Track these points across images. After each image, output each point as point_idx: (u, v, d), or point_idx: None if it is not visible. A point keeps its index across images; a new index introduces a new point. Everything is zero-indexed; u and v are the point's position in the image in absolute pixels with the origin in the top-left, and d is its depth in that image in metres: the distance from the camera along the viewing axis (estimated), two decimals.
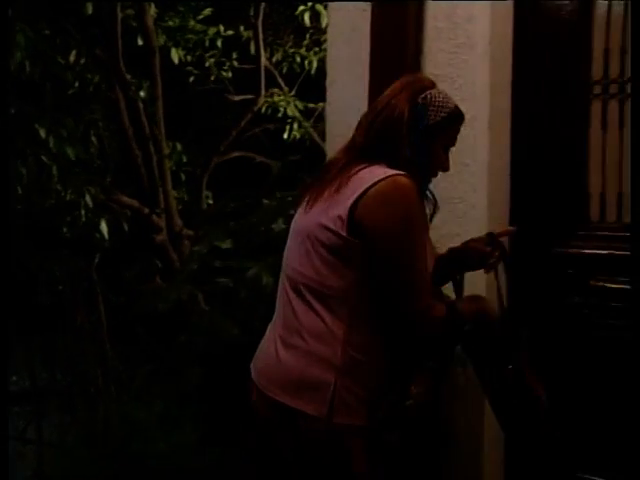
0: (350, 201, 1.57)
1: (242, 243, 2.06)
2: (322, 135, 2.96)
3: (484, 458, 2.59)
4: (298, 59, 5.24)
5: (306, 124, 5.23)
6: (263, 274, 1.97)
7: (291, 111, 5.19)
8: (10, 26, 2.65)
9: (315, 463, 1.60)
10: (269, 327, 1.79)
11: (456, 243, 2.61)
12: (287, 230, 1.69)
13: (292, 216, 1.84)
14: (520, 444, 2.49)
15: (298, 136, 5.30)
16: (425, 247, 1.68)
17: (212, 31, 5.05)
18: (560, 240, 2.60)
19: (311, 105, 5.23)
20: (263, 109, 5.25)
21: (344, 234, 1.56)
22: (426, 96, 1.74)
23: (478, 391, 2.36)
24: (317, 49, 5.08)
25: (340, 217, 1.56)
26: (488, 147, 2.58)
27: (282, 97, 5.24)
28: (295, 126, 5.27)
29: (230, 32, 5.12)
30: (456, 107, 1.80)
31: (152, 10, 4.71)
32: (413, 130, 1.69)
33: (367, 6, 2.72)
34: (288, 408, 1.58)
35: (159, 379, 3.27)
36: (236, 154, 5.38)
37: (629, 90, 2.51)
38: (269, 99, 5.21)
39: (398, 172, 1.61)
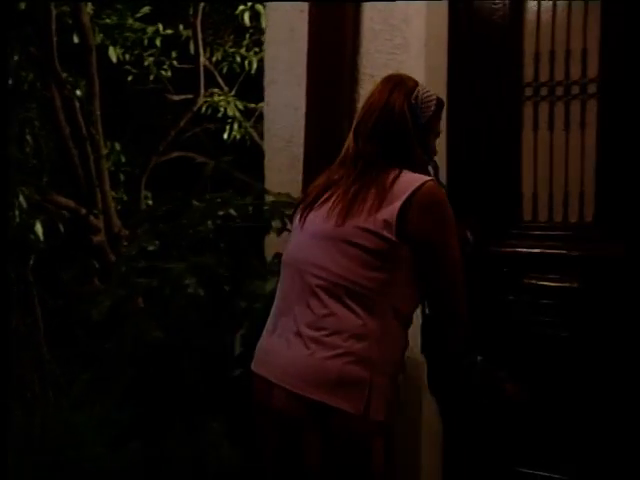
0: (397, 207, 1.63)
1: (170, 245, 2.06)
2: (262, 135, 2.97)
3: (422, 454, 2.63)
4: (238, 59, 5.21)
5: (246, 124, 5.22)
6: (186, 275, 1.96)
7: (231, 111, 5.16)
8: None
9: (341, 462, 1.63)
10: (276, 327, 1.78)
11: None
12: (216, 231, 1.70)
13: (224, 216, 1.87)
14: (462, 438, 2.55)
15: (238, 136, 5.28)
16: None
17: (151, 30, 4.98)
18: (496, 239, 2.66)
19: (251, 105, 5.21)
20: (203, 109, 5.21)
21: (393, 238, 1.63)
22: (417, 94, 1.81)
23: (415, 388, 2.41)
24: (257, 49, 5.06)
25: (387, 222, 1.63)
26: None
27: (222, 97, 5.21)
28: (235, 126, 5.24)
29: (169, 31, 5.05)
30: (438, 96, 1.89)
31: (89, 7, 4.63)
32: (416, 129, 1.78)
33: (305, 7, 2.73)
34: (324, 406, 1.60)
35: (97, 383, 3.22)
36: (176, 154, 5.33)
37: (559, 92, 2.59)
38: (209, 99, 5.17)
39: (429, 177, 1.72)
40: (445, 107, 2.67)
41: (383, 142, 1.76)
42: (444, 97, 2.70)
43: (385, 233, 1.63)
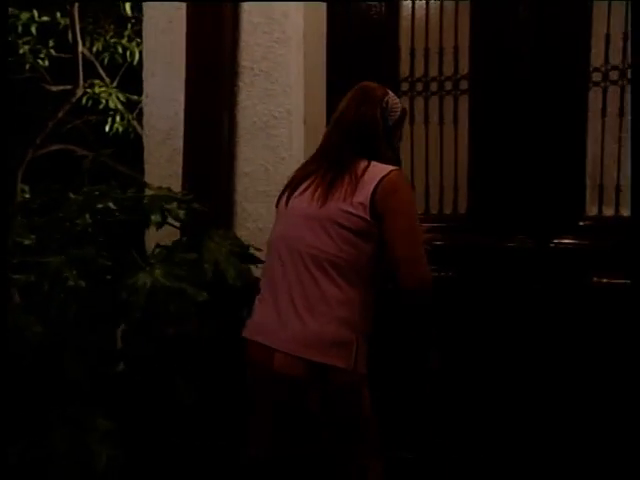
0: (369, 191, 1.92)
1: (46, 239, 2.00)
2: None
3: None
4: (120, 49, 5.08)
5: (129, 116, 5.09)
6: (65, 268, 1.91)
7: (113, 103, 5.02)
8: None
9: (339, 406, 1.94)
10: (268, 299, 2.02)
11: None
12: (95, 224, 1.67)
13: (103, 210, 1.85)
14: None
15: (121, 129, 5.14)
16: None
17: (25, 16, 4.76)
18: None
19: (134, 97, 5.09)
20: (84, 100, 5.04)
21: (368, 217, 1.91)
22: (387, 101, 2.08)
23: None
24: (139, 40, 4.94)
25: (362, 204, 1.92)
26: (304, 141, 2.65)
27: (103, 88, 5.06)
28: (117, 118, 5.11)
29: (45, 18, 4.86)
30: (403, 107, 2.16)
31: None
32: (384, 131, 2.06)
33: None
34: (322, 365, 1.89)
35: None
36: (56, 147, 5.14)
37: (434, 88, 2.68)
38: (89, 90, 5.01)
39: (394, 167, 1.99)
40: (325, 102, 2.77)
41: (355, 141, 2.03)
42: (324, 93, 2.77)
43: (362, 214, 1.92)
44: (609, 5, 2.48)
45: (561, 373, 2.52)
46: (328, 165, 2.02)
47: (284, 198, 2.10)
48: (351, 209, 1.93)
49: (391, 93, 2.12)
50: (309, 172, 2.07)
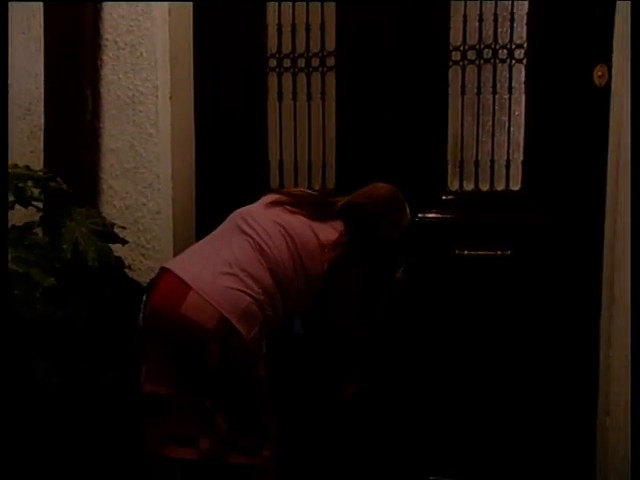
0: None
1: None
2: None
3: None
4: None
5: None
6: None
7: None
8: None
9: (237, 363, 2.06)
10: (209, 252, 2.15)
11: (142, 213, 2.64)
12: None
13: None
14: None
15: None
16: None
17: None
18: None
19: None
20: None
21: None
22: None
23: None
24: None
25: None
26: (170, 117, 2.60)
27: None
28: None
29: None
30: None
31: None
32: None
33: None
34: (230, 325, 2.02)
35: None
36: None
37: (301, 64, 2.69)
38: None
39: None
40: (192, 77, 2.73)
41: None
42: (190, 68, 2.72)
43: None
44: None
45: (429, 340, 2.64)
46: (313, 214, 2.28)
47: (274, 197, 2.29)
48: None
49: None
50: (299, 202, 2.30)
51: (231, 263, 2.10)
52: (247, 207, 2.27)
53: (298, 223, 2.19)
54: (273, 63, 2.71)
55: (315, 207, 2.25)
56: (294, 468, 2.66)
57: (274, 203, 2.24)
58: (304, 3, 2.66)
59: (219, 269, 2.09)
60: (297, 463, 2.68)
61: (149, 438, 2.11)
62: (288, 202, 2.24)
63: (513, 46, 2.53)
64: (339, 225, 2.21)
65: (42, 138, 2.58)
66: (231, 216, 2.25)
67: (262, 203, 2.26)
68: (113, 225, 2.32)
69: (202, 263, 2.12)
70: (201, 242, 2.26)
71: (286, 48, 2.69)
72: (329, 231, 2.19)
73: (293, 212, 2.22)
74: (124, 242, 2.34)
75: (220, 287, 2.06)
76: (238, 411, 2.10)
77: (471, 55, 2.56)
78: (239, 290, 2.06)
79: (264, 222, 2.19)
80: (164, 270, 2.15)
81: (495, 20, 2.53)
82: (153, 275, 2.59)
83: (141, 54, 2.60)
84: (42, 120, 2.58)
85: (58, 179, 2.23)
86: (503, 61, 2.54)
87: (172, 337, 2.06)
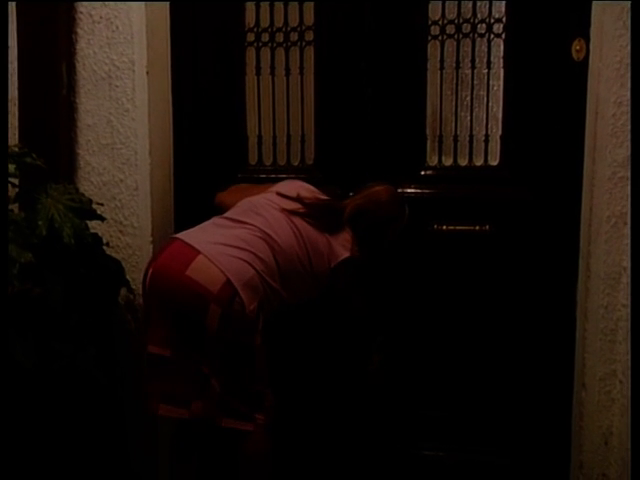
0: None
1: None
2: None
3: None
4: None
5: None
6: None
7: None
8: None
9: (234, 329, 2.12)
10: (208, 227, 2.28)
11: (120, 189, 2.62)
12: None
13: None
14: None
15: None
16: None
17: None
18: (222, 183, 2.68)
19: None
20: None
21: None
22: None
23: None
24: None
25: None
26: (147, 92, 2.57)
27: None
28: None
29: None
30: None
31: None
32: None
33: None
34: (234, 291, 2.11)
35: None
36: None
37: (279, 39, 2.66)
38: None
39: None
40: (169, 52, 2.70)
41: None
42: (167, 41, 2.69)
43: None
44: None
45: (408, 315, 2.66)
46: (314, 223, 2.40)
47: (285, 187, 2.44)
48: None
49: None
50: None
51: (240, 239, 2.21)
52: (258, 197, 2.37)
53: (310, 227, 2.31)
54: (251, 37, 2.68)
55: (326, 218, 2.35)
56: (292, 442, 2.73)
57: (289, 212, 2.33)
58: None
59: (229, 242, 2.20)
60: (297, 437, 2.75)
61: (149, 397, 2.19)
62: (303, 213, 2.33)
63: (492, 20, 2.52)
64: (348, 234, 2.35)
65: (17, 113, 2.54)
66: (242, 202, 2.36)
67: (277, 202, 2.34)
68: (91, 202, 2.30)
69: (212, 236, 2.22)
70: (209, 222, 2.33)
71: (264, 22, 2.67)
72: (341, 244, 2.33)
73: (306, 221, 2.33)
74: (102, 219, 2.32)
75: (228, 255, 2.15)
76: (232, 376, 2.16)
77: (450, 29, 2.55)
78: (246, 262, 2.16)
79: (275, 215, 2.30)
80: (172, 239, 2.26)
81: None
82: (131, 252, 2.61)
83: (117, 27, 2.56)
84: (16, 94, 2.55)
85: (33, 155, 2.20)
86: (482, 35, 2.53)
87: (174, 299, 2.12)
